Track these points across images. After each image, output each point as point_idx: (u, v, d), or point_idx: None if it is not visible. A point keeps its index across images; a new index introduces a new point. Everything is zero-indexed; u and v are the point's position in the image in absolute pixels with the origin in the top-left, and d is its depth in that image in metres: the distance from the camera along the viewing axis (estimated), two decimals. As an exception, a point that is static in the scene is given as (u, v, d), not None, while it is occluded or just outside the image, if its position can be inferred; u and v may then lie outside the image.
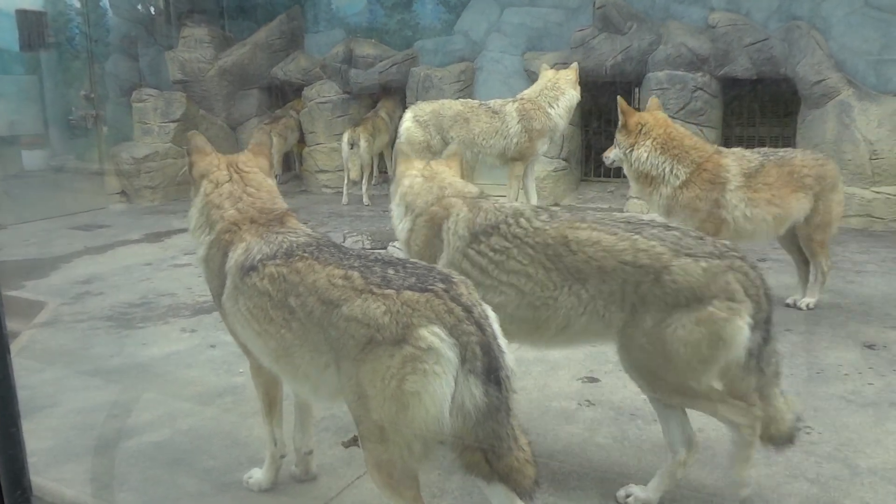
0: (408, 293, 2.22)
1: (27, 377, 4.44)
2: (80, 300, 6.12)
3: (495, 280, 2.97)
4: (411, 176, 3.45)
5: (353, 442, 3.34)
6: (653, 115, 4.96)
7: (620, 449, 3.35)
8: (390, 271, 2.34)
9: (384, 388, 2.18)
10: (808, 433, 3.44)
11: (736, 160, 4.82)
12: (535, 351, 3.79)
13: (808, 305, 5.03)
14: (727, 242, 2.80)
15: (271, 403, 3.04)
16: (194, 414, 3.93)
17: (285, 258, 2.56)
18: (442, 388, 2.15)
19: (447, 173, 3.45)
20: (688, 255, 2.67)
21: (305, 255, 2.53)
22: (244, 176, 2.99)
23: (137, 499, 3.14)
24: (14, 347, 4.82)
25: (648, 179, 4.85)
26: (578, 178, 10.08)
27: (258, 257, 2.64)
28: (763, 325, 2.70)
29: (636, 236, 2.75)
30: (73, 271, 7.13)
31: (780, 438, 2.85)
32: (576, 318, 2.85)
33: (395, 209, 3.47)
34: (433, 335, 2.16)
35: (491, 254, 2.99)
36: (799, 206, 4.82)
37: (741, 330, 2.62)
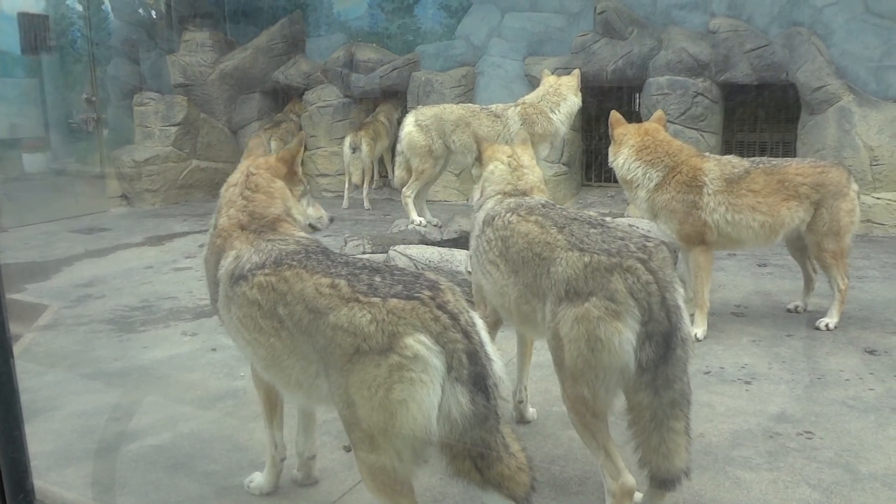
0: (394, 301, 2.20)
1: (28, 380, 4.44)
2: (81, 303, 6.13)
3: (486, 268, 3.20)
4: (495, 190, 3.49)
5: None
6: (638, 125, 5.13)
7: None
8: (377, 279, 2.32)
9: (371, 397, 2.17)
10: (809, 438, 3.44)
11: (717, 165, 4.86)
12: (536, 355, 3.79)
13: (827, 326, 4.90)
14: (649, 243, 2.65)
15: (272, 407, 3.05)
16: (195, 417, 3.93)
17: (274, 267, 2.54)
18: (429, 396, 2.14)
19: (524, 178, 3.49)
20: (580, 249, 2.64)
21: (293, 263, 2.51)
22: (249, 178, 2.99)
23: (138, 502, 3.13)
24: (16, 350, 4.81)
25: (629, 184, 5.04)
26: (579, 182, 10.10)
27: (247, 266, 2.62)
28: (661, 340, 2.51)
29: (553, 229, 2.82)
30: (75, 274, 7.13)
31: (658, 475, 2.62)
32: (522, 307, 2.97)
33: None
34: (419, 344, 2.15)
35: (486, 244, 3.20)
36: (791, 214, 4.80)
37: (619, 333, 2.48)
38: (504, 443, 2.28)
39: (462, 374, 2.17)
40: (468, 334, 2.23)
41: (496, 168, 3.54)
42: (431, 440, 2.19)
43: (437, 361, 2.15)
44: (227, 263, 2.74)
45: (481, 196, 3.52)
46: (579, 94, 6.70)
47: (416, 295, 2.23)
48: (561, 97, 6.58)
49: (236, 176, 3.04)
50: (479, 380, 2.19)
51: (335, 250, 2.72)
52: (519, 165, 3.52)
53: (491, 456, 2.24)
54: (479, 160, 3.69)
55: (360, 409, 2.22)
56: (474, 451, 2.22)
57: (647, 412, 2.58)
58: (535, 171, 3.55)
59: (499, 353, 2.36)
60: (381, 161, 10.97)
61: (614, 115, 5.10)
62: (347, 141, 10.11)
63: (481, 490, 2.32)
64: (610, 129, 5.11)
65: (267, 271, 2.55)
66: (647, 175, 4.91)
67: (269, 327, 2.52)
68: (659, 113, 5.31)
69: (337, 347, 2.25)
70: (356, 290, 2.28)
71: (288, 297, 2.44)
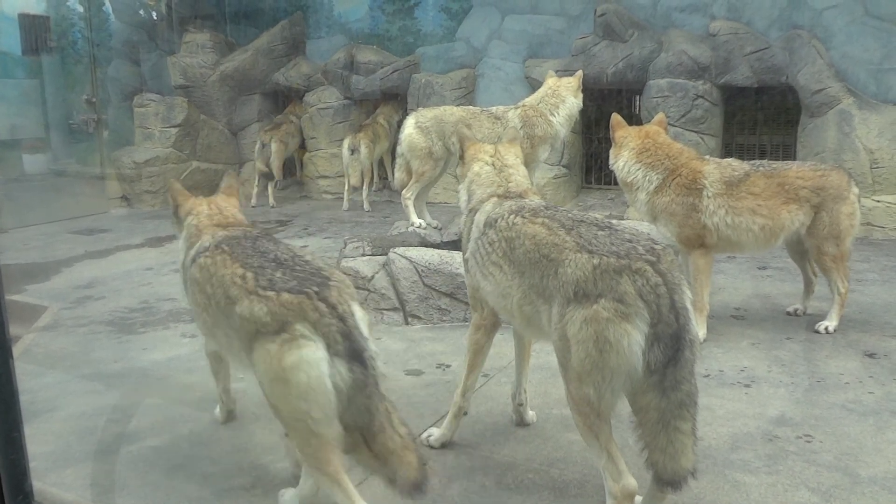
0: (285, 295, 2.63)
1: (28, 381, 4.44)
2: (81, 304, 6.13)
3: (487, 270, 3.16)
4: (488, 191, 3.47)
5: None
6: (638, 128, 5.12)
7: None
8: (278, 274, 2.74)
9: (269, 369, 2.58)
10: (808, 442, 3.44)
11: (717, 168, 4.86)
12: (534, 358, 3.79)
13: (826, 329, 4.89)
14: (657, 246, 2.67)
15: (217, 365, 3.75)
16: (194, 419, 3.93)
17: (213, 250, 3.03)
18: (314, 355, 2.52)
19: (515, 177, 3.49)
20: (589, 251, 2.65)
21: (225, 248, 3.00)
22: (219, 207, 3.54)
23: (137, 503, 3.14)
24: (15, 351, 4.80)
25: (629, 187, 5.04)
26: (579, 185, 10.10)
27: (199, 249, 3.14)
28: (669, 341, 2.52)
29: (561, 231, 2.81)
30: (75, 275, 7.14)
31: (665, 476, 2.60)
32: (526, 308, 2.97)
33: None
34: (303, 328, 2.57)
35: (487, 245, 3.17)
36: (791, 217, 4.79)
37: (628, 335, 2.49)
38: (389, 418, 2.59)
39: (339, 350, 2.56)
40: (343, 319, 2.61)
41: (481, 169, 3.51)
42: (329, 401, 2.50)
43: (318, 341, 2.56)
44: (192, 252, 3.23)
45: (471, 199, 3.49)
46: (580, 95, 6.69)
47: (304, 290, 2.64)
48: (560, 99, 6.58)
49: (202, 208, 3.51)
50: (354, 353, 2.58)
51: (280, 238, 3.08)
52: (504, 165, 3.50)
53: (373, 424, 2.56)
54: (462, 159, 3.67)
55: (267, 387, 2.63)
56: (360, 421, 2.56)
57: (654, 413, 2.58)
58: (520, 170, 3.53)
59: (372, 335, 2.71)
60: (381, 163, 10.98)
61: (615, 118, 5.10)
62: (346, 143, 10.10)
63: (369, 472, 2.69)
64: (611, 132, 5.11)
65: (207, 254, 3.05)
66: (647, 178, 4.91)
67: (203, 302, 3.02)
68: (660, 116, 5.30)
69: (244, 332, 2.71)
70: (258, 284, 2.71)
71: (214, 279, 2.93)
